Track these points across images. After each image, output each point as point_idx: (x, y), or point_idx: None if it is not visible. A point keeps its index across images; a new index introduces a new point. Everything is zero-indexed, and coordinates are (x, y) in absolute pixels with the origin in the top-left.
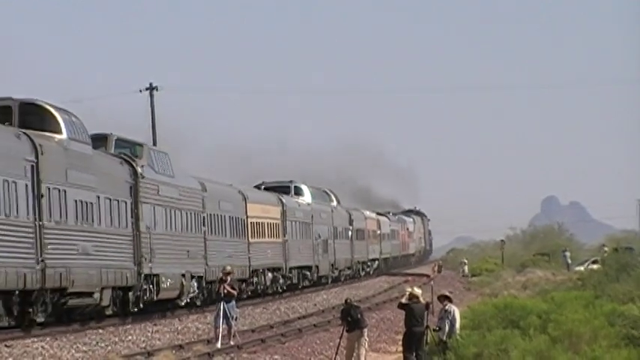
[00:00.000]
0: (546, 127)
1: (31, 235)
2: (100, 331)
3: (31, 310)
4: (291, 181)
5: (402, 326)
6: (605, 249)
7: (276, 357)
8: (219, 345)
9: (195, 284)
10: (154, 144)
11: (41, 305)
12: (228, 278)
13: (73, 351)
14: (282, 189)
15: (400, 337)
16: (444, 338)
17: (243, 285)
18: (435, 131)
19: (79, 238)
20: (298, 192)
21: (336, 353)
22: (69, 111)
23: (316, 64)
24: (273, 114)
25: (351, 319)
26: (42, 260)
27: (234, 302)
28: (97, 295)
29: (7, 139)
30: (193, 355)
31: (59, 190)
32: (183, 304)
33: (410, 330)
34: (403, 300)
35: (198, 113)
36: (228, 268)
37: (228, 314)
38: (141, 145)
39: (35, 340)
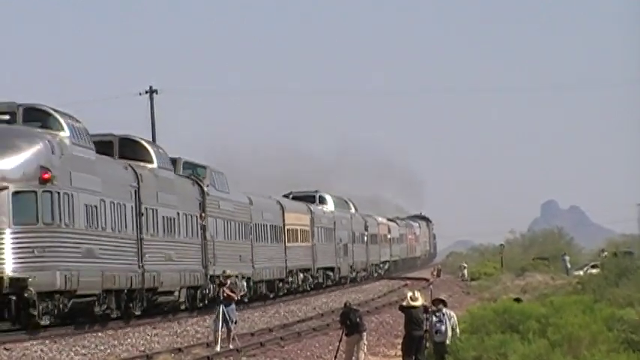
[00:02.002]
0: (545, 130)
1: (134, 246)
2: (100, 334)
3: (131, 305)
4: (316, 191)
5: (402, 330)
6: (605, 253)
7: None
8: (218, 348)
9: (245, 284)
10: None
11: (139, 301)
12: (228, 282)
13: (72, 354)
14: (308, 198)
15: (399, 340)
16: (447, 341)
17: (280, 284)
18: (434, 133)
19: (166, 248)
20: (322, 201)
21: (335, 357)
22: (156, 144)
23: (316, 64)
24: (273, 115)
25: (350, 322)
26: (142, 266)
27: (233, 305)
28: (177, 293)
29: (119, 170)
30: (192, 358)
31: (153, 210)
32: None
33: (409, 334)
34: (404, 303)
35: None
36: (228, 271)
37: (228, 318)
38: (204, 167)
39: (35, 342)
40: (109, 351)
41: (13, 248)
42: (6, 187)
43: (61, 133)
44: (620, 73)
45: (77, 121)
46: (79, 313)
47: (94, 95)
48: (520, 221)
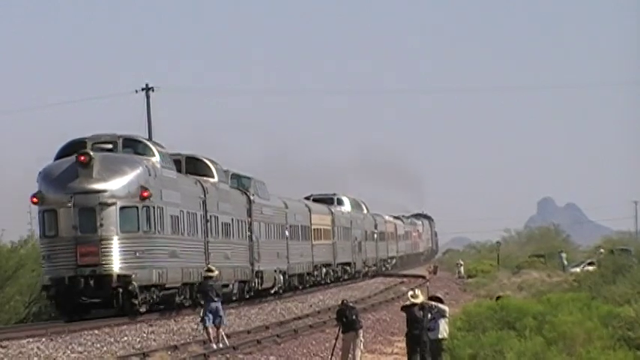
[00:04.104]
0: (542, 128)
1: (202, 248)
2: (96, 331)
3: (198, 295)
4: (334, 194)
5: (397, 327)
6: (601, 251)
7: (271, 358)
8: (215, 346)
9: (282, 277)
10: None
11: None
12: (215, 274)
13: (69, 352)
14: (327, 200)
15: (396, 338)
16: (445, 336)
17: (308, 277)
18: (430, 133)
19: (224, 248)
20: (340, 202)
21: (332, 354)
22: (215, 161)
23: (316, 65)
24: (273, 115)
25: (347, 320)
26: (208, 263)
27: (220, 304)
28: (231, 286)
29: (192, 185)
30: (188, 356)
31: (215, 217)
32: (273, 292)
33: (410, 332)
34: (407, 303)
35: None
36: (213, 268)
37: (218, 315)
38: (249, 178)
39: (31, 340)
40: (105, 349)
41: (120, 251)
42: (114, 203)
43: (153, 159)
44: (620, 73)
45: (163, 147)
46: (165, 302)
47: (92, 93)
48: (516, 219)
